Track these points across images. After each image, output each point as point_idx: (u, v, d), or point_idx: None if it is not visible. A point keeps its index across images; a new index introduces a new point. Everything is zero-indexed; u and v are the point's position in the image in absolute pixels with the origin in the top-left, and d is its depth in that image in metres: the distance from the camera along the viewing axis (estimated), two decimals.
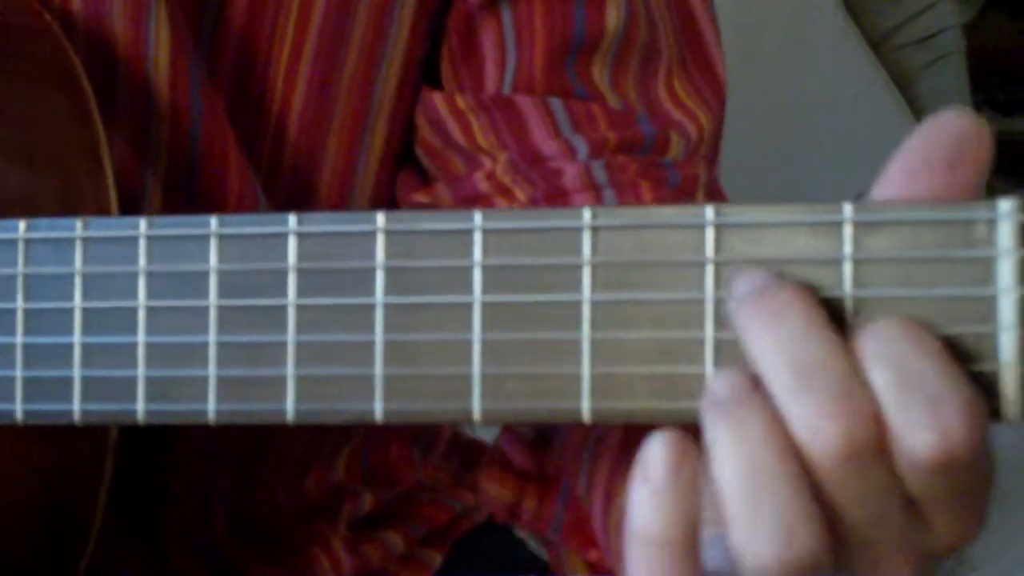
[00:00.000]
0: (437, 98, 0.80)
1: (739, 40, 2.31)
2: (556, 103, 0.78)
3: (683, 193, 0.76)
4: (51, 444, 0.63)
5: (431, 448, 0.93)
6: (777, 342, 0.46)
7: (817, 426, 0.46)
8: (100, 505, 0.65)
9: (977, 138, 0.48)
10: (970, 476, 0.47)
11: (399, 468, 0.89)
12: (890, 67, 2.39)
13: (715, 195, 0.78)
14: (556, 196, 0.76)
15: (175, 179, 0.73)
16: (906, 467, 0.46)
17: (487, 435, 0.94)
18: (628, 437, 0.66)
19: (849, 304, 0.48)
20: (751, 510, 0.46)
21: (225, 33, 0.74)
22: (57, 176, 0.65)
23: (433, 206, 0.80)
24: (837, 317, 0.47)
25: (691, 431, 0.48)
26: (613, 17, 0.77)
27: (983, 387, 0.46)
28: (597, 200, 0.75)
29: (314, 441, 0.84)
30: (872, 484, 0.46)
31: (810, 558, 0.46)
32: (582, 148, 0.76)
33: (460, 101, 0.79)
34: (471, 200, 0.79)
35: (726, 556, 0.47)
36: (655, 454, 0.48)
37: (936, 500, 0.48)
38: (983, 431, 0.46)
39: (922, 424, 0.45)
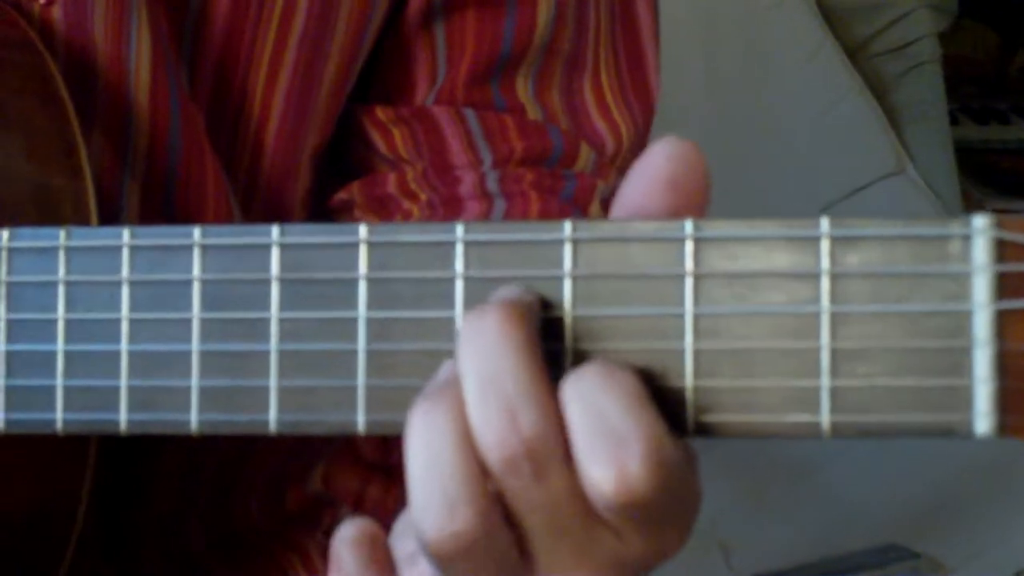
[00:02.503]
0: (360, 113, 0.82)
1: (715, 48, 2.32)
2: (471, 114, 0.80)
3: (574, 204, 0.78)
4: (31, 453, 0.63)
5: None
6: (470, 352, 0.49)
7: (483, 433, 0.49)
8: (80, 515, 0.65)
9: (696, 158, 0.50)
10: (657, 509, 0.48)
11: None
12: (866, 75, 2.40)
13: None
14: (452, 202, 0.79)
15: (153, 189, 0.74)
16: (592, 498, 0.49)
17: None
18: None
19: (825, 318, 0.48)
20: (423, 485, 0.49)
21: (205, 48, 0.75)
22: (35, 184, 0.65)
23: (348, 201, 0.82)
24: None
25: None
26: (539, 30, 0.79)
27: (941, 404, 0.47)
28: (488, 207, 0.78)
29: (292, 455, 0.84)
30: (544, 497, 0.49)
31: (469, 535, 0.49)
32: (488, 158, 0.79)
33: (381, 114, 0.82)
34: (379, 200, 0.81)
35: None
36: (345, 553, 0.53)
37: (626, 525, 0.50)
38: (669, 471, 0.48)
39: (603, 461, 0.47)
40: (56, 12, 0.71)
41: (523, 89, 0.81)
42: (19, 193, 0.65)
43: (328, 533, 0.86)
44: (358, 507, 0.90)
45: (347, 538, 0.53)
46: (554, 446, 0.48)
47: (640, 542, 0.50)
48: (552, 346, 0.50)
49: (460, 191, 0.79)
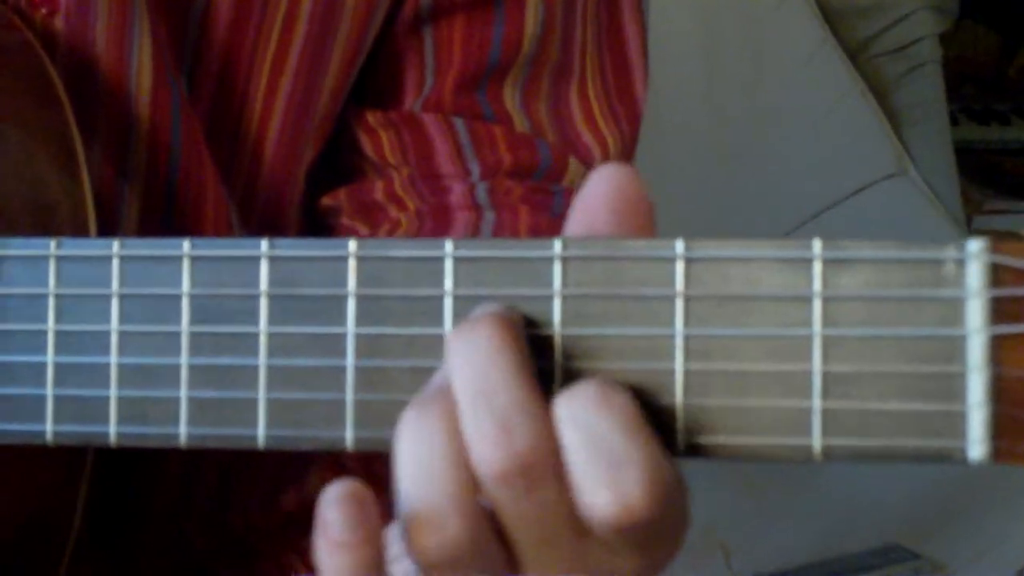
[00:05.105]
0: (349, 115, 0.82)
1: (715, 48, 2.32)
2: (459, 123, 0.80)
3: (564, 219, 0.78)
4: (27, 459, 0.63)
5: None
6: (462, 364, 0.49)
7: (476, 446, 0.48)
8: (77, 519, 0.65)
9: (634, 186, 0.51)
10: (652, 532, 0.48)
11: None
12: (867, 76, 2.39)
13: None
14: (441, 211, 0.79)
15: (152, 198, 0.73)
16: (587, 520, 0.48)
17: None
18: None
19: (816, 337, 0.48)
20: (412, 493, 0.49)
21: (206, 57, 0.74)
22: (33, 190, 0.65)
23: (335, 208, 0.82)
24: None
25: None
26: (527, 39, 0.79)
27: (935, 429, 0.47)
28: (477, 219, 0.77)
29: (291, 457, 0.84)
30: (535, 511, 0.49)
31: (458, 545, 0.49)
32: (476, 170, 0.79)
33: (370, 117, 0.81)
34: (366, 207, 0.81)
35: None
36: (331, 513, 0.51)
37: (619, 544, 0.49)
38: (667, 493, 0.48)
39: (601, 485, 0.47)
40: (58, 22, 0.71)
41: (510, 99, 0.81)
42: (16, 199, 0.65)
43: None
44: None
45: (333, 497, 0.52)
46: (548, 462, 0.48)
47: (632, 558, 0.50)
48: (541, 364, 0.50)
49: (450, 200, 0.79)
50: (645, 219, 0.50)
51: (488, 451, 0.48)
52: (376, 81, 0.82)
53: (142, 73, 0.72)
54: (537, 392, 0.48)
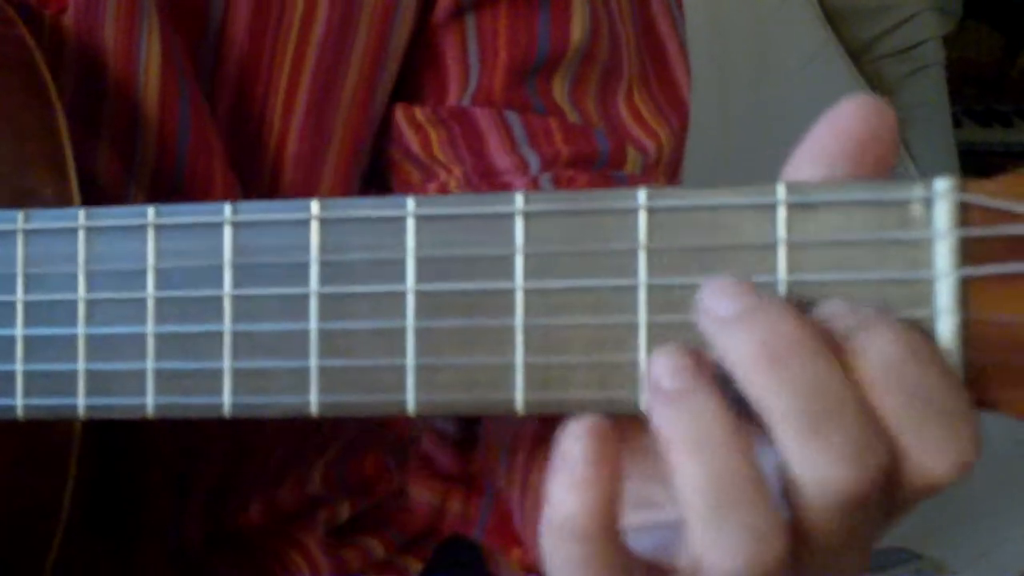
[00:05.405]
0: (397, 110, 0.80)
1: (719, 49, 2.31)
2: (513, 117, 0.78)
3: None
4: (13, 438, 0.63)
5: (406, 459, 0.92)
6: (782, 383, 0.44)
7: (827, 474, 0.44)
8: (66, 500, 0.65)
9: (883, 118, 0.48)
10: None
11: (375, 479, 0.89)
12: (870, 78, 2.39)
13: None
14: None
15: (158, 195, 0.73)
16: (908, 487, 0.45)
17: None
18: (543, 425, 0.66)
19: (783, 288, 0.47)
20: (717, 517, 0.44)
21: (224, 70, 0.74)
22: (15, 182, 0.65)
23: None
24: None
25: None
26: (577, 34, 0.77)
27: None
28: None
29: (290, 458, 0.84)
30: (859, 521, 0.45)
31: (777, 564, 0.45)
32: (535, 162, 0.77)
33: (419, 114, 0.80)
34: None
35: (662, 544, 0.47)
36: (574, 447, 0.46)
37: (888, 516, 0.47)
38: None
39: (942, 451, 0.44)
40: (67, 20, 0.71)
41: (560, 93, 0.79)
42: (1, 194, 0.64)
43: (327, 531, 0.85)
44: (438, 521, 0.89)
45: (578, 431, 0.46)
46: (889, 459, 0.44)
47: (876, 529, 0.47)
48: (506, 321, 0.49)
49: None
50: (891, 162, 0.47)
51: (841, 473, 0.44)
52: (417, 76, 0.80)
53: (150, 71, 0.72)
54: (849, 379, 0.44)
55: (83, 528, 0.75)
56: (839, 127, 0.47)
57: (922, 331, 0.45)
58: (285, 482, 0.84)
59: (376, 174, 0.82)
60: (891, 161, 0.47)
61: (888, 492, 0.45)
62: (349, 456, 0.88)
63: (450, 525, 0.89)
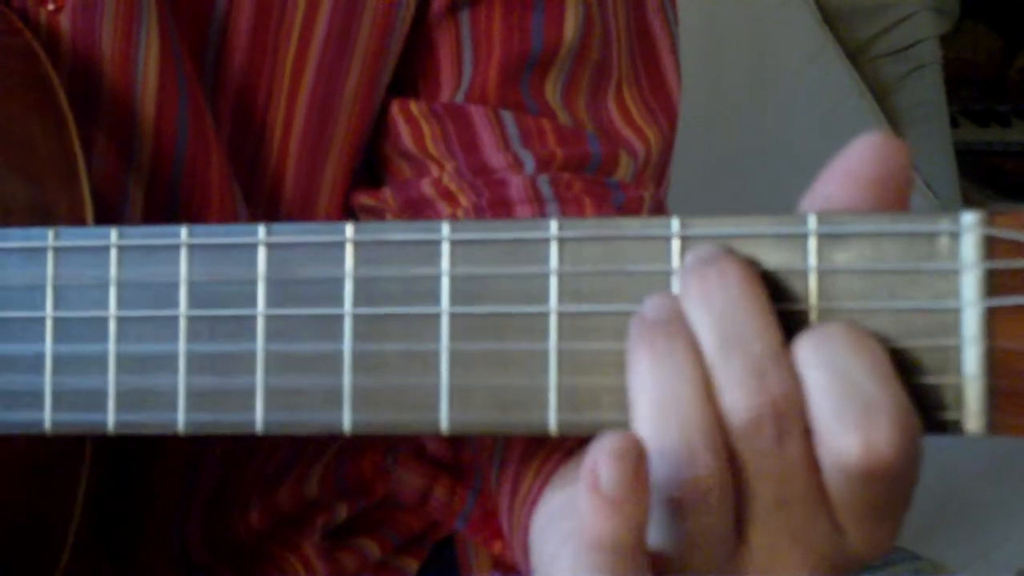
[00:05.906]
0: (392, 106, 0.80)
1: (716, 50, 2.32)
2: (507, 116, 0.78)
3: (627, 213, 0.76)
4: (25, 452, 0.63)
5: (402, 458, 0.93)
6: (709, 308, 0.48)
7: (728, 390, 0.48)
8: (76, 514, 0.65)
9: (900, 156, 0.49)
10: (890, 489, 0.48)
11: (373, 479, 0.89)
12: (867, 78, 2.39)
13: (660, 214, 0.79)
14: (500, 205, 0.77)
15: (156, 195, 0.73)
16: (828, 468, 0.48)
17: None
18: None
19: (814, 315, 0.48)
20: (658, 424, 0.48)
21: (225, 75, 0.74)
22: (30, 193, 0.65)
23: (379, 209, 0.81)
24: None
25: None
26: (570, 33, 0.78)
27: (932, 402, 0.47)
28: (541, 213, 0.76)
29: (289, 460, 0.84)
30: (778, 465, 0.48)
31: (708, 483, 0.48)
32: (529, 162, 0.77)
33: (414, 107, 0.80)
34: (415, 203, 0.79)
35: (664, 535, 0.49)
36: (607, 467, 0.47)
37: (852, 506, 0.49)
38: (912, 446, 0.47)
39: (851, 429, 0.46)
40: (64, 19, 0.70)
41: (552, 94, 0.79)
42: (13, 201, 0.64)
43: (324, 534, 0.86)
44: (421, 507, 0.90)
45: (610, 449, 0.47)
46: (797, 409, 0.47)
47: (858, 533, 0.50)
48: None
49: (509, 194, 0.77)
50: (905, 198, 0.49)
51: (742, 397, 0.48)
52: (411, 71, 0.80)
53: (148, 71, 0.72)
54: (782, 337, 0.48)
55: (90, 534, 0.76)
56: (855, 171, 0.49)
57: (873, 334, 0.47)
58: (284, 484, 0.85)
59: (368, 169, 0.82)
60: (908, 194, 0.49)
61: (794, 454, 0.48)
62: (347, 457, 0.88)
63: (433, 510, 0.89)
